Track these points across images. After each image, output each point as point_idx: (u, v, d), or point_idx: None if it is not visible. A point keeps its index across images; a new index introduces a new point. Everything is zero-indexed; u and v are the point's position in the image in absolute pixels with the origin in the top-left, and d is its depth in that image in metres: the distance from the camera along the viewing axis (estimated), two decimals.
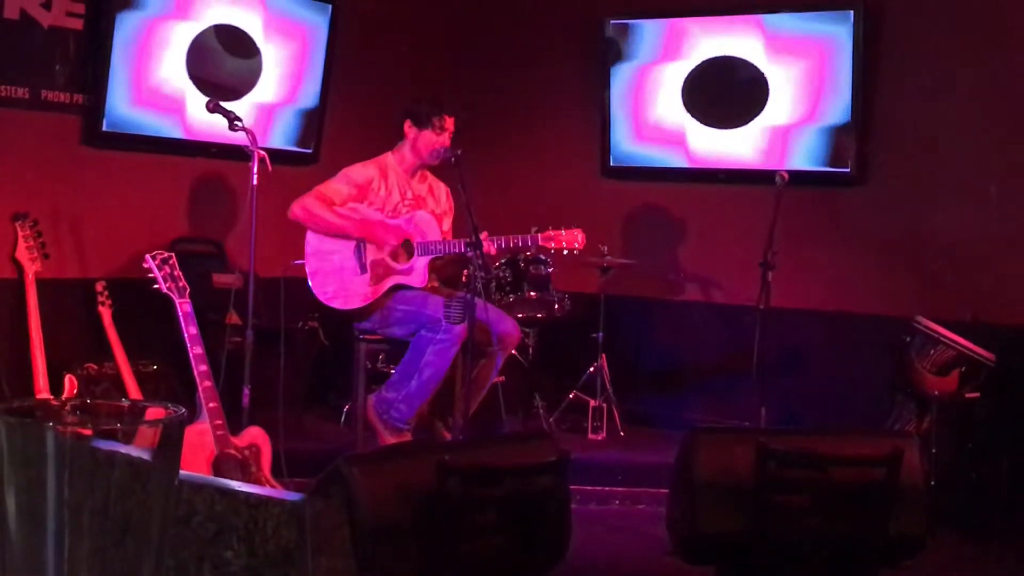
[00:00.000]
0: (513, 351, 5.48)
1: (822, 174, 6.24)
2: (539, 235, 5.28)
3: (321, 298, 5.26)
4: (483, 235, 5.06)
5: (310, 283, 5.25)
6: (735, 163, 6.51)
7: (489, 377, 5.28)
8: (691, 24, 6.61)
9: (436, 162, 5.42)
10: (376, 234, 5.24)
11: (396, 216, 5.34)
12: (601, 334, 6.01)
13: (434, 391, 5.20)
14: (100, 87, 5.46)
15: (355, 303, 5.25)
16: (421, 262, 5.29)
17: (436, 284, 5.44)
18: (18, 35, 5.20)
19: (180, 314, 4.28)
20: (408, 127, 5.39)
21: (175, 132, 5.84)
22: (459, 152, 5.20)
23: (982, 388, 5.24)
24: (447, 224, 5.53)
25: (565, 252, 5.36)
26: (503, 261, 5.77)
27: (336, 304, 5.25)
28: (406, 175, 5.42)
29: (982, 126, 5.84)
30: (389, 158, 5.43)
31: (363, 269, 5.25)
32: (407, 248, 5.32)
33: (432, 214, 5.42)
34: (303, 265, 5.27)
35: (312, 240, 5.27)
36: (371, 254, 5.28)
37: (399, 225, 5.30)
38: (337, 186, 5.29)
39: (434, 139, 5.33)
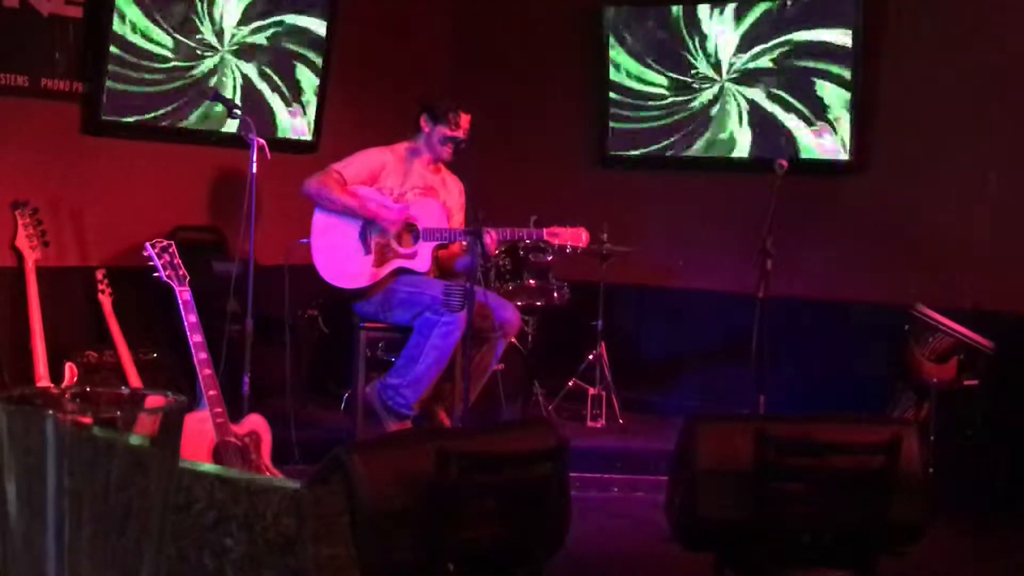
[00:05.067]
0: (513, 339, 5.48)
1: (821, 162, 6.23)
2: (544, 230, 5.28)
3: (324, 276, 5.28)
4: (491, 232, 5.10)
5: (314, 261, 5.27)
6: (734, 151, 6.51)
7: (489, 364, 5.29)
8: (691, 11, 6.60)
9: (449, 156, 5.42)
10: (384, 216, 5.25)
11: (404, 201, 5.35)
12: (600, 322, 6.01)
13: (439, 375, 5.20)
14: (99, 75, 5.46)
15: (357, 283, 5.26)
16: (426, 248, 5.29)
17: (436, 273, 5.45)
18: (18, 23, 5.19)
19: (180, 302, 4.28)
20: (424, 122, 5.40)
21: (175, 120, 5.84)
22: (461, 143, 5.21)
23: (981, 375, 5.25)
24: (457, 220, 5.52)
25: (568, 250, 5.34)
26: (503, 249, 5.77)
27: (338, 283, 5.27)
28: (420, 166, 5.43)
29: (981, 114, 5.84)
30: (405, 147, 5.44)
31: (367, 251, 5.27)
32: (412, 233, 5.32)
33: (443, 207, 5.43)
34: (307, 245, 5.29)
35: (319, 219, 5.30)
36: (376, 237, 5.29)
37: (404, 208, 5.31)
38: (351, 165, 5.32)
39: (448, 133, 5.34)
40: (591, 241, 5.86)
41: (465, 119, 5.37)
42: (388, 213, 5.27)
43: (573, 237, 5.31)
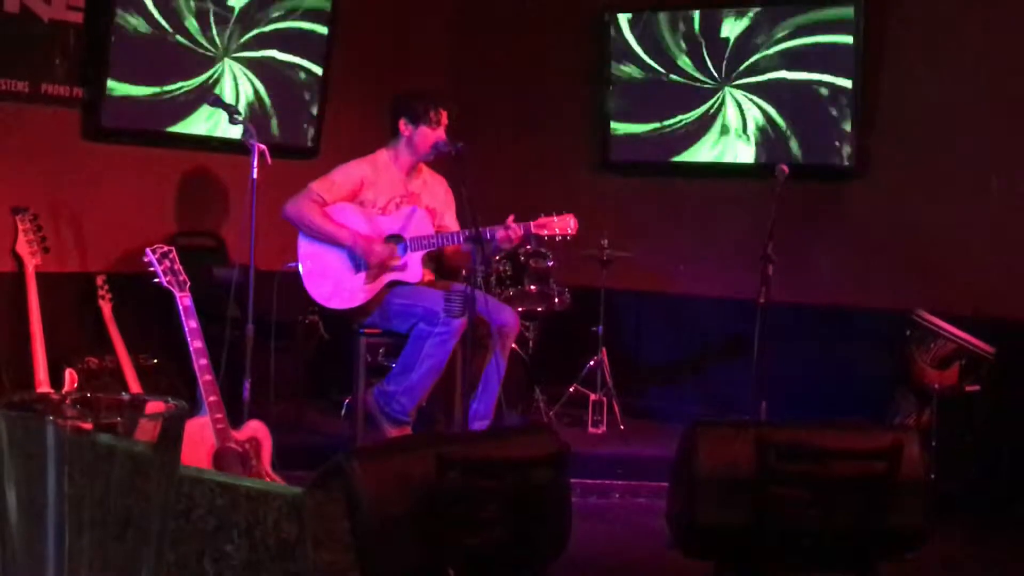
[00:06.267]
0: (513, 344, 5.47)
1: (822, 168, 6.24)
2: (531, 223, 5.24)
3: (317, 299, 5.27)
4: (509, 219, 5.11)
5: (305, 285, 5.24)
6: (736, 156, 6.51)
7: (493, 369, 5.25)
8: (693, 17, 6.60)
9: (433, 158, 5.41)
10: (363, 247, 5.23)
11: (388, 213, 5.34)
12: (601, 328, 6.01)
13: (434, 383, 5.20)
14: (100, 81, 5.46)
15: (351, 302, 5.25)
16: (415, 258, 5.28)
17: (432, 278, 5.45)
18: (18, 29, 5.20)
19: (180, 308, 4.28)
20: (403, 125, 5.36)
21: (175, 126, 5.84)
22: (460, 145, 5.19)
23: (982, 381, 5.25)
24: (449, 218, 5.52)
25: (559, 238, 5.31)
26: (503, 255, 5.76)
27: (333, 304, 5.27)
28: (401, 172, 5.41)
29: (983, 119, 5.84)
30: (384, 155, 5.42)
31: (357, 268, 5.26)
32: (400, 245, 5.31)
33: (427, 210, 5.41)
34: (296, 267, 5.28)
35: (304, 242, 5.27)
36: (361, 258, 5.28)
37: (389, 224, 5.30)
38: (331, 183, 5.29)
39: (430, 133, 5.32)
40: (593, 247, 5.87)
41: (443, 114, 5.34)
42: (367, 245, 5.23)
43: (562, 225, 5.26)
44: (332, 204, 5.26)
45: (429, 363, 5.12)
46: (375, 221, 5.30)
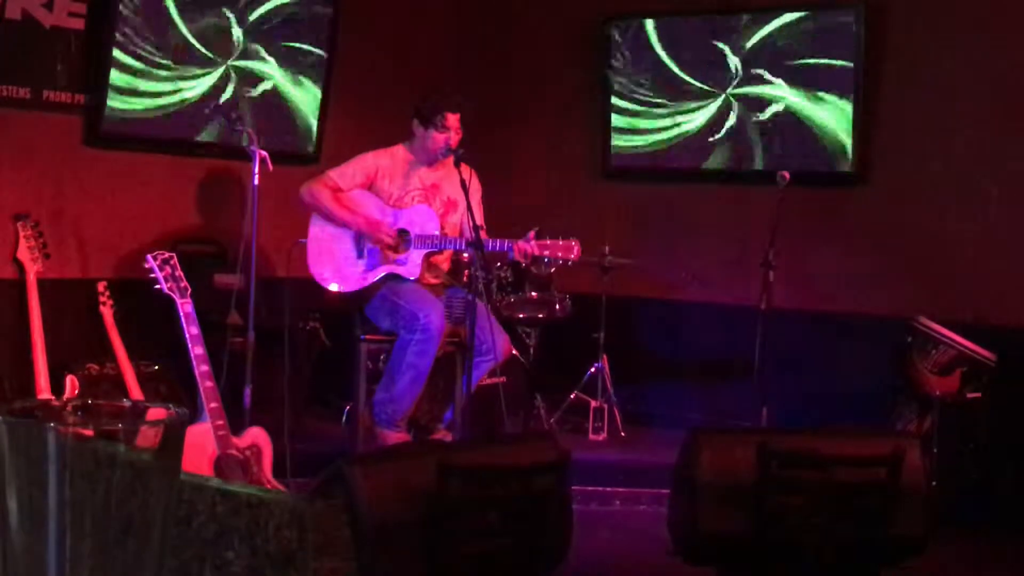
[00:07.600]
0: (514, 351, 5.47)
1: (823, 174, 6.24)
2: (535, 243, 5.16)
3: (317, 278, 5.33)
4: (531, 234, 5.10)
5: (308, 262, 5.31)
6: (736, 163, 6.51)
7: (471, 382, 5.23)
8: (694, 24, 6.61)
9: (442, 159, 5.41)
10: (374, 231, 5.28)
11: (400, 206, 5.35)
12: (602, 334, 6.01)
13: (421, 390, 5.19)
14: (101, 87, 5.47)
15: (347, 287, 5.30)
16: (417, 255, 5.29)
17: (434, 282, 5.44)
18: (20, 35, 5.20)
19: (181, 314, 4.28)
20: (416, 126, 5.39)
21: (176, 132, 5.84)
22: (460, 152, 5.19)
23: (983, 388, 5.24)
24: (475, 208, 5.39)
25: (560, 263, 5.27)
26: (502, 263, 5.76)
27: (329, 285, 5.33)
28: (420, 166, 5.43)
29: (984, 127, 5.84)
30: (402, 149, 5.44)
31: (360, 255, 5.30)
32: (404, 239, 5.32)
33: (449, 201, 5.42)
34: (304, 244, 5.35)
35: (316, 222, 5.34)
36: (370, 241, 5.32)
37: (395, 224, 5.32)
38: (348, 171, 5.34)
39: (437, 137, 5.33)
40: (593, 253, 5.86)
41: (452, 119, 5.33)
42: (378, 232, 5.27)
43: (565, 250, 5.22)
44: (348, 191, 5.31)
45: (411, 373, 5.12)
46: (386, 213, 5.33)
